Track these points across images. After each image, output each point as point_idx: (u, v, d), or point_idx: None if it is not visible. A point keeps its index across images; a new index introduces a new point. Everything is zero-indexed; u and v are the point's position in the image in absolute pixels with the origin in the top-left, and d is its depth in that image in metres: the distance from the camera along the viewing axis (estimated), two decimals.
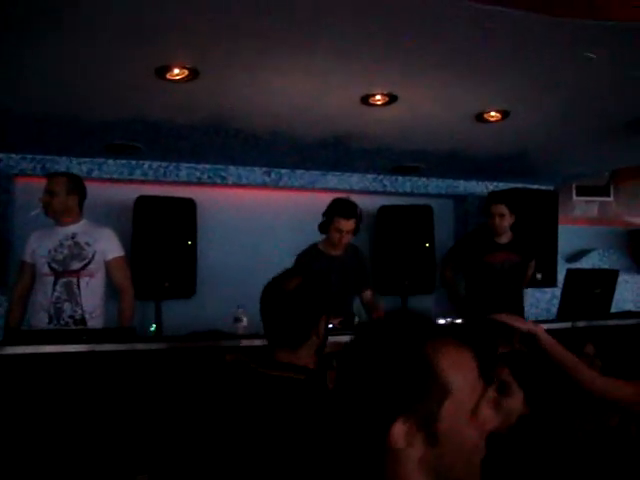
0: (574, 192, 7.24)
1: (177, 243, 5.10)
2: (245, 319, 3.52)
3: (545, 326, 2.64)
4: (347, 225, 3.98)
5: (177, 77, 3.30)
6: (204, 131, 4.35)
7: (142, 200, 5.00)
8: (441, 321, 3.79)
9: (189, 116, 4.00)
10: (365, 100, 3.78)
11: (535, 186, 6.36)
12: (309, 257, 4.10)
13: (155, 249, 4.97)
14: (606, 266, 7.11)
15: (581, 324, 3.91)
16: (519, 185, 6.26)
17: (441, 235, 6.02)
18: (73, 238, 3.66)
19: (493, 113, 4.10)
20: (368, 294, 4.24)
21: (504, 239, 4.79)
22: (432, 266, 5.74)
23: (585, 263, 6.95)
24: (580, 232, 7.03)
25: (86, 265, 3.65)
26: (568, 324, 3.85)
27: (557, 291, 6.29)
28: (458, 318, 3.81)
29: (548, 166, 5.83)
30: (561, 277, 6.20)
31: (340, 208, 4.02)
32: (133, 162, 5.14)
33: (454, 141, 4.73)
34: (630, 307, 6.59)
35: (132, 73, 3.26)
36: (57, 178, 3.73)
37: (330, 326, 3.42)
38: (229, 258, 5.48)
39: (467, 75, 3.45)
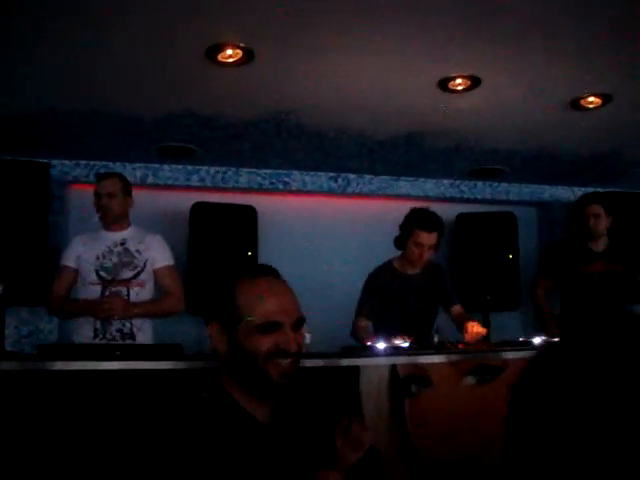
0: None
1: (236, 254, 4.71)
2: (309, 336, 3.04)
3: None
4: (429, 239, 3.47)
5: (229, 59, 2.94)
6: (262, 129, 3.97)
7: (199, 207, 4.66)
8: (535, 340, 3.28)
9: (244, 108, 3.64)
10: (443, 85, 3.34)
11: (629, 191, 5.72)
12: (382, 276, 3.63)
13: (213, 261, 4.60)
14: None
15: None
16: (610, 190, 5.67)
17: (524, 246, 5.44)
18: (123, 244, 3.32)
19: (592, 98, 3.59)
20: (457, 309, 3.72)
21: (600, 246, 4.24)
22: (516, 279, 5.19)
23: None
24: None
25: (137, 274, 3.31)
26: None
27: None
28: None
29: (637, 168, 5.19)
30: None
31: (421, 219, 3.51)
32: (189, 167, 4.80)
33: (544, 136, 4.21)
34: None
35: (181, 54, 2.90)
36: (112, 179, 3.38)
37: (404, 344, 3.01)
38: (292, 271, 4.95)
39: (560, 52, 2.99)
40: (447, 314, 3.75)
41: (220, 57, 2.91)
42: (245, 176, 4.95)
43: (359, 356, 2.61)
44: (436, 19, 2.65)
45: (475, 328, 3.26)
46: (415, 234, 3.47)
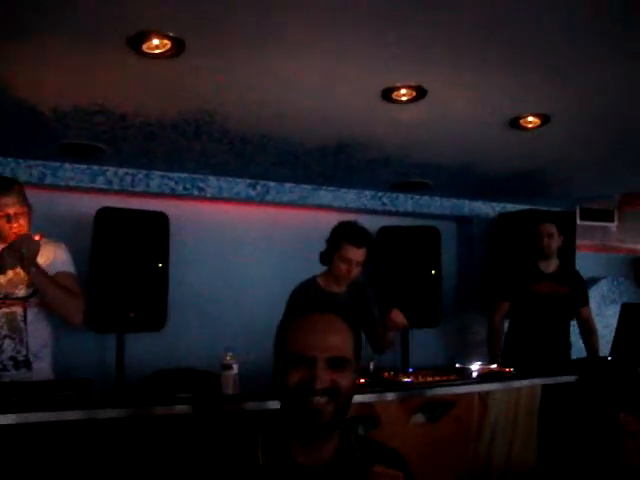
0: (578, 216, 6.70)
1: (145, 265, 4.29)
2: (236, 366, 2.72)
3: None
4: (357, 254, 3.22)
5: (156, 50, 2.56)
6: (182, 130, 3.60)
7: (104, 212, 4.20)
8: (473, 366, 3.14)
9: (164, 106, 3.25)
10: (387, 95, 3.09)
11: (543, 208, 5.76)
12: (307, 295, 3.32)
13: (119, 272, 4.17)
14: (615, 296, 6.58)
15: None
16: (527, 207, 5.69)
17: (445, 261, 5.33)
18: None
19: (531, 118, 3.48)
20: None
21: (551, 267, 4.23)
22: (438, 296, 5.06)
23: (594, 292, 6.38)
24: (585, 258, 6.45)
25: (34, 293, 2.81)
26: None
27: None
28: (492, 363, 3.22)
29: (563, 185, 5.23)
30: None
31: (350, 233, 3.25)
32: (95, 167, 4.31)
33: (477, 151, 4.09)
34: None
35: (98, 40, 2.49)
36: (11, 195, 2.80)
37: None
38: (206, 284, 4.72)
39: (507, 69, 2.84)
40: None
41: (145, 47, 2.53)
42: (157, 180, 4.52)
43: None
44: (385, 26, 2.41)
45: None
46: (343, 249, 3.21)
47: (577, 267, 5.79)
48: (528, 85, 3.05)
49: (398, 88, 3.04)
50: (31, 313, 2.82)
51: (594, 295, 6.36)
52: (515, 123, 3.53)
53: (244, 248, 4.91)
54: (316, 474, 1.44)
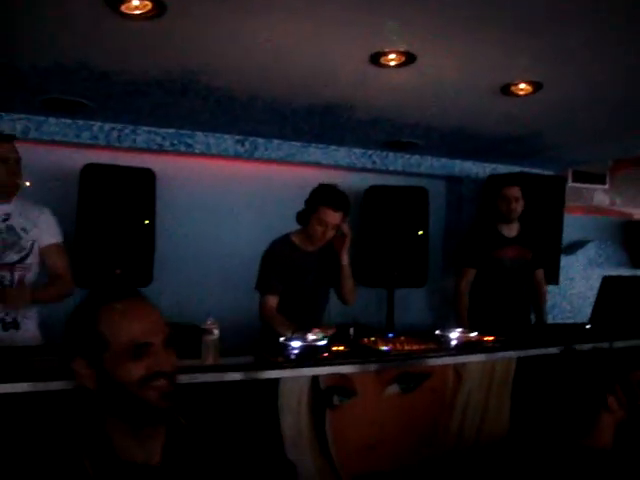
0: (570, 178, 6.69)
1: (132, 222, 4.28)
2: (217, 332, 2.73)
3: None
4: (334, 218, 3.24)
5: (136, 11, 2.49)
6: (167, 88, 3.53)
7: (90, 169, 4.16)
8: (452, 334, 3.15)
9: (148, 66, 3.18)
10: (376, 59, 3.03)
11: (535, 170, 5.74)
12: (281, 251, 3.38)
13: (105, 228, 4.16)
14: (602, 260, 6.61)
15: (620, 344, 3.30)
16: (518, 169, 5.66)
17: (432, 221, 5.32)
18: (6, 221, 2.82)
19: (523, 85, 3.43)
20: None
21: (513, 232, 4.21)
22: (424, 257, 5.07)
23: (581, 255, 6.42)
24: (574, 221, 6.46)
25: (24, 258, 2.85)
26: (605, 344, 3.24)
27: (555, 289, 5.75)
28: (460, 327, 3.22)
29: (556, 149, 5.17)
30: (562, 273, 5.70)
31: (328, 196, 3.27)
32: (80, 122, 4.24)
33: (468, 117, 4.04)
34: None
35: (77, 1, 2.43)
36: (9, 143, 2.85)
37: (321, 341, 2.77)
38: (193, 240, 4.71)
39: (498, 36, 2.78)
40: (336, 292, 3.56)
41: (124, 8, 2.47)
42: (143, 135, 4.46)
43: (279, 368, 2.34)
44: None
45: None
46: (320, 211, 3.23)
47: (565, 230, 5.83)
48: (519, 52, 2.99)
49: (387, 53, 2.98)
50: (18, 277, 2.83)
51: (581, 258, 6.41)
52: (506, 90, 3.47)
53: (232, 205, 4.88)
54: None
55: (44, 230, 2.92)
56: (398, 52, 2.98)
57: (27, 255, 2.85)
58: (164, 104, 3.90)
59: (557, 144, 4.92)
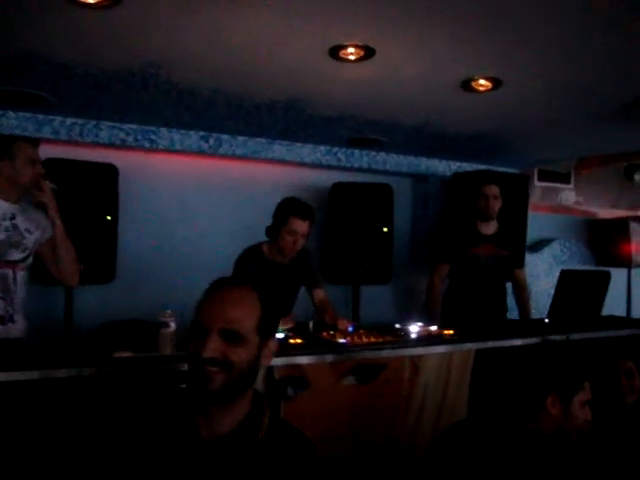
0: (535, 177, 6.78)
1: (94, 218, 4.24)
2: (173, 325, 2.73)
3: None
4: (302, 227, 3.43)
5: (90, 0, 2.47)
6: (128, 82, 3.50)
7: (51, 164, 4.07)
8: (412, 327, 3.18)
9: (106, 58, 3.14)
10: (335, 53, 3.04)
11: (500, 169, 5.80)
12: (251, 261, 3.53)
13: (66, 224, 4.08)
14: (566, 257, 6.70)
15: (575, 336, 3.36)
16: (484, 167, 5.73)
17: (398, 218, 5.36)
18: (12, 220, 2.89)
19: (483, 81, 3.45)
20: (320, 294, 3.67)
21: (490, 230, 4.27)
22: (389, 254, 5.10)
23: (546, 253, 6.50)
24: (539, 219, 6.55)
25: (26, 257, 2.94)
26: (562, 337, 3.30)
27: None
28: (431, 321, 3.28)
29: (519, 147, 5.24)
30: (527, 270, 5.76)
31: (295, 207, 3.48)
32: (40, 116, 4.19)
33: (431, 112, 4.05)
34: None
35: None
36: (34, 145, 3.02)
37: (281, 335, 2.79)
38: (156, 237, 4.69)
39: (459, 32, 2.79)
40: (309, 295, 3.70)
41: None
42: (106, 130, 4.41)
43: None
44: None
45: (343, 326, 3.23)
46: (290, 222, 3.40)
47: (531, 228, 5.90)
48: (478, 48, 3.01)
49: (346, 47, 2.98)
50: (19, 275, 2.91)
51: (546, 256, 6.50)
52: (467, 86, 3.49)
53: (196, 201, 4.87)
54: (212, 446, 1.47)
55: (47, 231, 3.01)
56: (357, 46, 2.98)
57: (29, 255, 2.94)
58: (126, 98, 3.86)
59: (519, 142, 4.98)
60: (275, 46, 3.00)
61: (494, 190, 4.25)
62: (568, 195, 7.12)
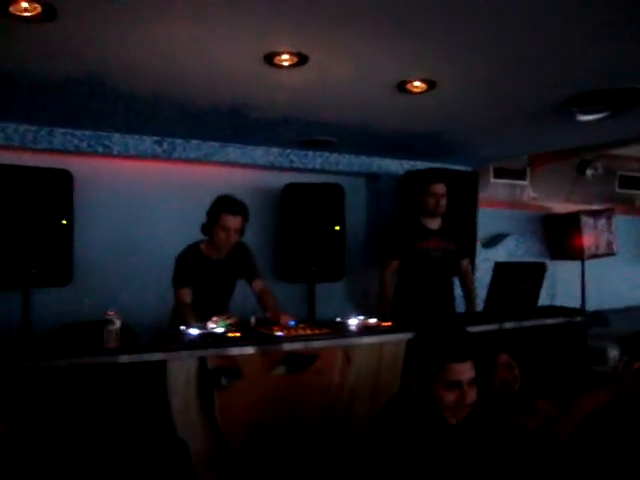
0: (491, 174, 6.97)
1: (50, 222, 4.34)
2: (118, 322, 2.85)
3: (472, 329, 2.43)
4: (234, 222, 3.61)
5: (26, 12, 2.57)
6: (74, 91, 3.61)
7: (4, 170, 4.20)
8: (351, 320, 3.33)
9: (49, 68, 3.24)
10: (269, 59, 3.17)
11: (453, 166, 5.97)
12: (189, 260, 3.71)
13: (22, 229, 4.21)
14: (521, 252, 6.88)
15: (509, 325, 3.53)
16: (437, 165, 5.88)
17: (352, 216, 5.51)
18: None
19: (417, 83, 3.59)
20: (259, 284, 3.81)
21: (436, 224, 4.41)
22: (341, 251, 5.25)
23: (501, 249, 6.68)
24: (495, 215, 6.75)
25: None
26: (496, 326, 3.46)
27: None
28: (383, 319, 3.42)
29: (468, 146, 5.41)
30: (482, 265, 5.93)
31: (226, 204, 3.66)
32: None
33: (371, 113, 4.19)
34: (543, 295, 6.38)
35: None
36: None
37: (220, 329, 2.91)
38: (111, 240, 4.80)
39: (389, 36, 2.91)
40: (249, 287, 3.83)
41: (13, 9, 2.54)
42: (60, 137, 4.51)
43: (165, 350, 2.47)
44: None
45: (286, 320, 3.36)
46: (222, 218, 3.57)
47: (487, 224, 6.09)
48: (411, 53, 3.14)
49: (280, 53, 3.11)
50: None
51: (501, 251, 6.67)
52: (402, 87, 3.61)
53: (150, 205, 4.97)
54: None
55: None
56: (290, 53, 3.11)
57: None
58: (76, 106, 3.97)
59: (466, 141, 5.15)
60: (213, 53, 3.11)
61: (440, 188, 4.38)
62: (523, 191, 7.33)
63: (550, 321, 3.70)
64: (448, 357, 2.01)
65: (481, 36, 2.90)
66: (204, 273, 3.65)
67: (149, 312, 4.07)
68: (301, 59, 3.17)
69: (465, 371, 2.01)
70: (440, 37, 2.93)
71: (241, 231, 3.65)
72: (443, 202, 4.38)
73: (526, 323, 3.60)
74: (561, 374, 3.56)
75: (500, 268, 3.70)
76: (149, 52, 3.07)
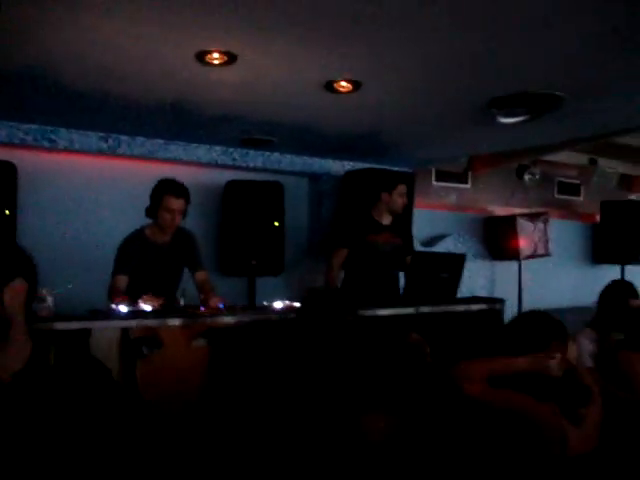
0: (433, 177, 7.25)
1: None
2: (50, 299, 3.03)
3: (388, 311, 2.67)
4: (177, 204, 3.78)
5: None
6: (17, 84, 3.76)
7: None
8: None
9: None
10: (201, 58, 3.36)
11: (393, 168, 6.22)
12: (134, 245, 3.88)
13: None
14: (461, 252, 7.14)
15: (425, 309, 3.78)
16: (377, 166, 6.13)
17: (294, 215, 5.74)
18: None
19: (344, 83, 3.79)
20: (202, 275, 4.00)
21: (387, 220, 4.68)
22: (281, 246, 5.47)
23: (440, 248, 6.94)
24: (438, 217, 7.04)
25: None
26: (411, 309, 3.71)
27: None
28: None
29: (405, 147, 5.67)
30: None
31: (169, 186, 3.84)
32: None
33: (304, 112, 4.41)
34: (482, 293, 6.67)
35: None
36: None
37: (149, 308, 3.10)
38: (55, 234, 4.92)
39: (315, 37, 3.12)
40: (192, 277, 4.01)
41: None
42: (5, 130, 4.63)
43: (89, 319, 2.67)
44: None
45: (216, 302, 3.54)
46: (165, 200, 3.74)
47: (431, 225, 6.38)
48: (337, 52, 3.32)
49: (211, 52, 3.30)
50: None
51: (440, 250, 6.94)
52: (330, 87, 3.80)
53: (94, 200, 5.12)
54: None
55: None
56: (220, 52, 3.31)
57: None
58: (20, 100, 4.10)
59: (400, 143, 5.40)
60: (148, 51, 3.28)
61: (404, 189, 4.73)
62: (465, 195, 7.63)
63: (461, 308, 3.95)
64: None
65: (403, 38, 3.09)
66: (149, 258, 3.79)
67: (94, 302, 4.21)
68: (231, 58, 3.35)
69: None
70: (364, 39, 3.12)
71: (184, 213, 3.80)
72: (403, 201, 4.71)
73: (443, 308, 3.84)
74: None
75: (419, 257, 3.95)
76: (88, 48, 3.22)
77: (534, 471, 2.29)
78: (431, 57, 3.38)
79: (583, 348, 3.80)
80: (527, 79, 3.75)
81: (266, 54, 3.38)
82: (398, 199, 4.66)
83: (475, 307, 4.06)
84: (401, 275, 4.77)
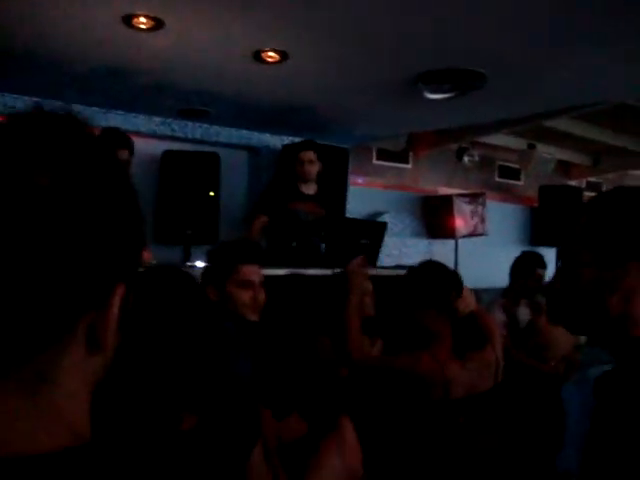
0: (374, 156, 7.41)
1: None
2: None
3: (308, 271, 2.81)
4: (122, 155, 3.90)
5: None
6: None
7: None
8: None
9: None
10: (128, 21, 3.42)
11: (330, 143, 6.35)
12: None
13: None
14: (398, 229, 7.35)
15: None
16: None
17: (232, 187, 5.84)
18: None
19: (271, 53, 3.88)
20: None
21: (310, 190, 4.78)
22: (215, 216, 5.57)
23: None
24: (377, 195, 7.22)
25: None
26: (328, 271, 3.84)
27: None
28: None
29: (339, 123, 5.78)
30: None
31: (112, 137, 3.92)
32: None
33: (236, 83, 4.47)
34: None
35: None
36: None
37: None
38: None
39: (243, 4, 3.19)
40: None
41: None
42: None
43: None
44: None
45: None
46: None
47: (370, 203, 6.53)
48: (266, 21, 3.41)
49: (137, 15, 3.35)
50: None
51: None
52: (258, 57, 3.88)
53: None
54: None
55: None
56: (147, 16, 3.37)
57: None
58: None
59: (336, 118, 5.51)
60: (76, 17, 3.32)
61: (308, 155, 4.80)
62: (405, 173, 7.83)
63: (384, 272, 4.10)
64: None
65: (331, 9, 3.18)
66: None
67: None
68: (158, 23, 3.42)
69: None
70: (292, 8, 3.20)
71: (129, 163, 3.93)
72: (311, 168, 4.78)
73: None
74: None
75: (338, 222, 4.09)
76: (19, 10, 3.25)
77: (417, 416, 2.45)
78: (355, 30, 3.48)
79: (496, 317, 4.02)
80: (450, 55, 3.89)
81: (194, 20, 3.44)
82: (299, 166, 4.78)
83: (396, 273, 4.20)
84: None
